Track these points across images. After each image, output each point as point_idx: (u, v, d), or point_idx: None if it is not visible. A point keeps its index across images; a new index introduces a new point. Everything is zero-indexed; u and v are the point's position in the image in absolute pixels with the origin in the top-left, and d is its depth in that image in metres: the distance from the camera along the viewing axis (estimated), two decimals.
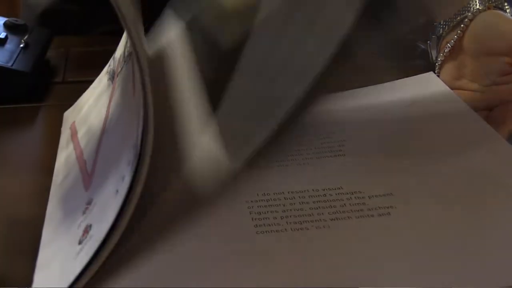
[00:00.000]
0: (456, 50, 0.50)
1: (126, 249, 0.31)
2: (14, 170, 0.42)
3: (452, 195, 0.36)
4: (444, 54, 0.51)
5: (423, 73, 0.52)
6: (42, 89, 0.53)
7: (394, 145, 0.42)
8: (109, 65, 0.47)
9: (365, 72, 0.58)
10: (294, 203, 0.35)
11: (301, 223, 0.33)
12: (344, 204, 0.35)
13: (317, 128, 0.43)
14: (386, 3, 0.37)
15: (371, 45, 0.39)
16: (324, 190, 0.36)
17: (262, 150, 0.36)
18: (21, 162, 0.43)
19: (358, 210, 0.35)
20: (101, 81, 0.46)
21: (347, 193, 0.36)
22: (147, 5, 0.38)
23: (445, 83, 0.50)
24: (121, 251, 0.30)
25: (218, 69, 0.39)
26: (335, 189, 0.36)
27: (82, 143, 0.40)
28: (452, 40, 0.50)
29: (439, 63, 0.52)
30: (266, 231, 0.33)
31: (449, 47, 0.50)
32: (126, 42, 0.42)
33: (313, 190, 0.36)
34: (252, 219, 0.34)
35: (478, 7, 0.48)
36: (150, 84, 0.27)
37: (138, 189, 0.29)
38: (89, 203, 0.33)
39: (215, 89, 0.38)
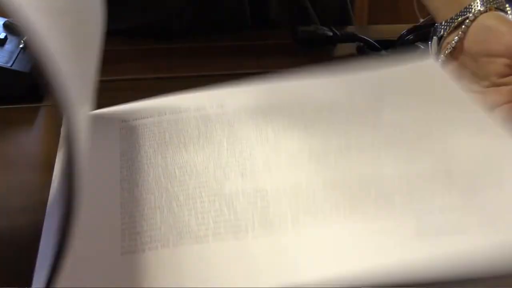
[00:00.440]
0: (457, 51, 0.50)
1: None
2: (14, 169, 0.42)
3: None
4: (445, 55, 0.51)
5: None
6: (41, 89, 0.52)
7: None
8: None
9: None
10: None
11: None
12: None
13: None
14: None
15: None
16: None
17: None
18: (21, 161, 0.43)
19: None
20: None
21: None
22: None
23: None
24: None
25: None
26: None
27: None
28: (453, 41, 0.50)
29: (440, 64, 0.52)
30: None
31: (450, 48, 0.50)
32: None
33: None
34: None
35: (479, 8, 0.48)
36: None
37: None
38: None
39: None
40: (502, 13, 0.48)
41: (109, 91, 0.55)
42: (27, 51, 0.51)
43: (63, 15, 0.28)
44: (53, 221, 0.34)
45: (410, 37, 0.60)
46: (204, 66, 0.60)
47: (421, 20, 0.64)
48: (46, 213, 0.35)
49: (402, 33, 0.61)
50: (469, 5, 0.49)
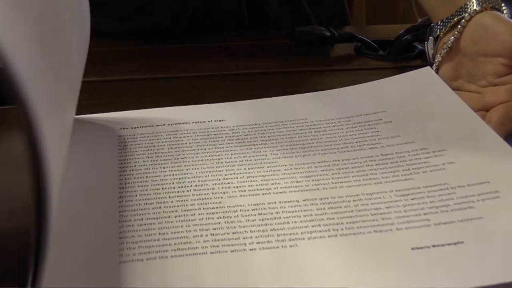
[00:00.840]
0: (454, 51, 0.50)
1: None
2: (12, 170, 0.42)
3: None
4: (441, 55, 0.51)
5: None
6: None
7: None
8: None
9: (364, 72, 0.58)
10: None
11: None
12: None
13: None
14: None
15: None
16: None
17: None
18: (19, 161, 0.43)
19: None
20: None
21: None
22: None
23: None
24: None
25: None
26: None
27: None
28: (449, 41, 0.50)
29: (436, 64, 0.52)
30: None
31: (446, 48, 0.50)
32: None
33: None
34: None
35: (475, 8, 0.48)
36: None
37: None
38: None
39: None
40: (498, 13, 0.48)
41: (109, 91, 0.55)
42: None
43: (36, 23, 0.28)
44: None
45: (408, 37, 0.60)
46: (203, 66, 0.60)
47: (420, 20, 0.64)
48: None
49: (399, 33, 0.61)
50: (464, 5, 0.49)
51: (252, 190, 0.37)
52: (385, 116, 0.46)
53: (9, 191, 0.40)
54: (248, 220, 0.35)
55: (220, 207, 0.36)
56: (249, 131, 0.44)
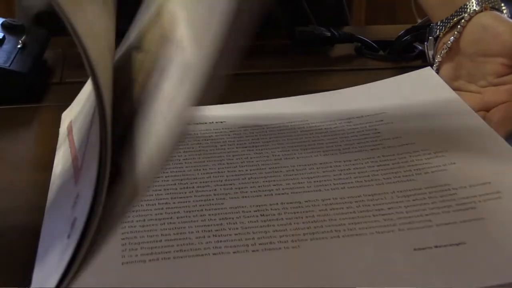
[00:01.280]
0: (453, 51, 0.50)
1: None
2: (12, 169, 0.42)
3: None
4: (441, 55, 0.51)
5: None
6: (39, 90, 0.53)
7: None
8: None
9: (364, 73, 0.58)
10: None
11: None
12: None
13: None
14: None
15: None
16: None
17: None
18: (19, 161, 0.43)
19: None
20: None
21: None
22: None
23: None
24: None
25: None
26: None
27: (75, 139, 0.41)
28: (449, 41, 0.50)
29: (436, 64, 0.52)
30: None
31: (446, 48, 0.50)
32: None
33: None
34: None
35: (474, 8, 0.48)
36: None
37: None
38: (77, 197, 0.33)
39: None
40: (497, 13, 0.48)
41: None
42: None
43: None
44: (52, 221, 0.35)
45: (408, 37, 0.60)
46: None
47: (419, 20, 0.64)
48: (45, 213, 0.35)
49: (400, 33, 0.61)
50: (464, 5, 0.49)
51: (254, 191, 0.37)
52: (386, 117, 0.46)
53: (11, 190, 0.40)
54: (251, 221, 0.35)
55: (222, 208, 0.36)
56: (250, 133, 0.44)
